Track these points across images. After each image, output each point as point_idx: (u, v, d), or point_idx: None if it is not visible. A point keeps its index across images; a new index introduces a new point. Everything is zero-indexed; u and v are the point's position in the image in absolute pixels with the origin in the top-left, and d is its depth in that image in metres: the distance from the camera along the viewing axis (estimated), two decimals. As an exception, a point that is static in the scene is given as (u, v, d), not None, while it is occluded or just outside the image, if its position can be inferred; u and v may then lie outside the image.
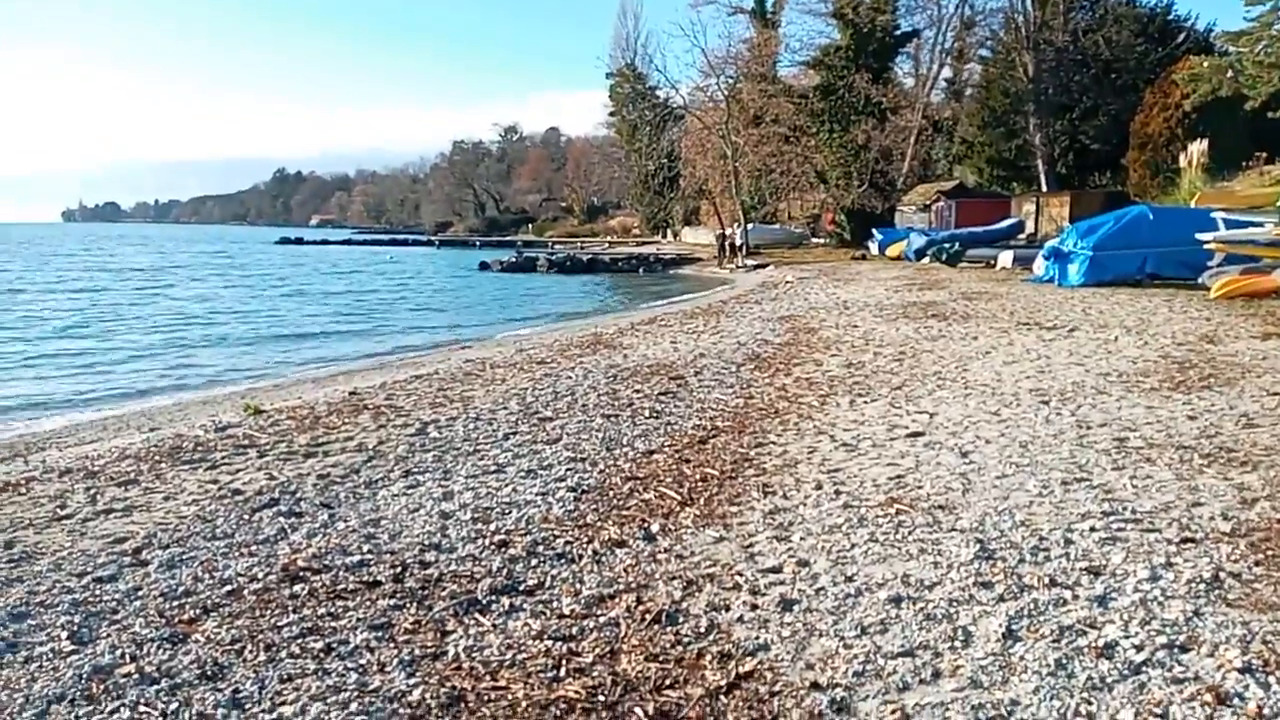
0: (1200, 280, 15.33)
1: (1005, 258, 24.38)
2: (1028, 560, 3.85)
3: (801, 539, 4.26)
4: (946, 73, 47.67)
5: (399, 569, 4.04)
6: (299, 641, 3.33)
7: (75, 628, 3.50)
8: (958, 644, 3.16)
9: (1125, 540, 4.03)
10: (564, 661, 3.17)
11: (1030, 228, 36.72)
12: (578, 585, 3.84)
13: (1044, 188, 41.46)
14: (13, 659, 3.27)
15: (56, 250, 69.11)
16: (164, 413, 9.59)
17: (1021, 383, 7.88)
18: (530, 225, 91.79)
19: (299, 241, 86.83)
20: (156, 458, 6.29)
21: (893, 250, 32.11)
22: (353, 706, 2.88)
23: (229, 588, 3.84)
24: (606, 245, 60.88)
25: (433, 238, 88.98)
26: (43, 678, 3.12)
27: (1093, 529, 4.18)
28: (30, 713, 2.90)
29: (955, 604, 3.47)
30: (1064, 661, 2.99)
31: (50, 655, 3.29)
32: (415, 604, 3.67)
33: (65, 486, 5.64)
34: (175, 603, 3.71)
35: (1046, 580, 3.63)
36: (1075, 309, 13.62)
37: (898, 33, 40.93)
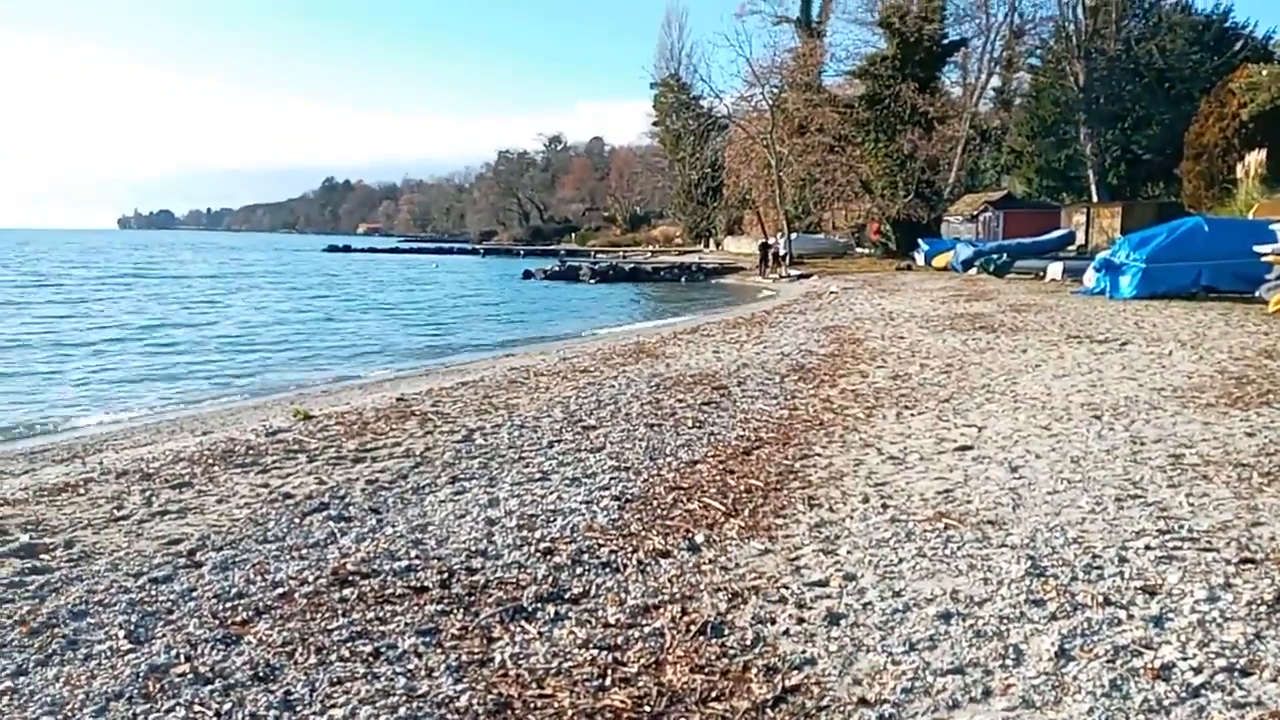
0: (1258, 294, 14.95)
1: (1055, 269, 24.00)
2: (1081, 578, 3.77)
3: (848, 552, 4.23)
4: (995, 82, 47.15)
5: (446, 575, 4.07)
6: (348, 645, 3.38)
7: (132, 627, 3.58)
8: (1009, 662, 3.11)
9: (1182, 559, 3.93)
10: (609, 671, 3.17)
11: (1080, 239, 36.13)
12: (623, 594, 3.84)
13: (1095, 198, 40.80)
14: (73, 656, 3.36)
15: (121, 256, 70.88)
16: (216, 417, 9.80)
17: (1072, 397, 7.74)
18: (573, 234, 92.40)
19: (346, 249, 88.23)
20: (209, 461, 6.43)
21: (939, 261, 31.77)
22: (401, 711, 2.91)
23: (280, 590, 3.91)
24: (649, 254, 61.05)
25: (478, 246, 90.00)
26: (101, 675, 3.20)
27: (1148, 547, 4.09)
28: (90, 709, 2.97)
29: (1006, 621, 3.41)
30: (1119, 682, 2.93)
31: (109, 653, 3.37)
32: (462, 610, 3.70)
33: (122, 488, 5.78)
34: (228, 604, 3.78)
35: (1100, 599, 3.55)
36: (1128, 322, 13.35)
37: (945, 42, 40.53)
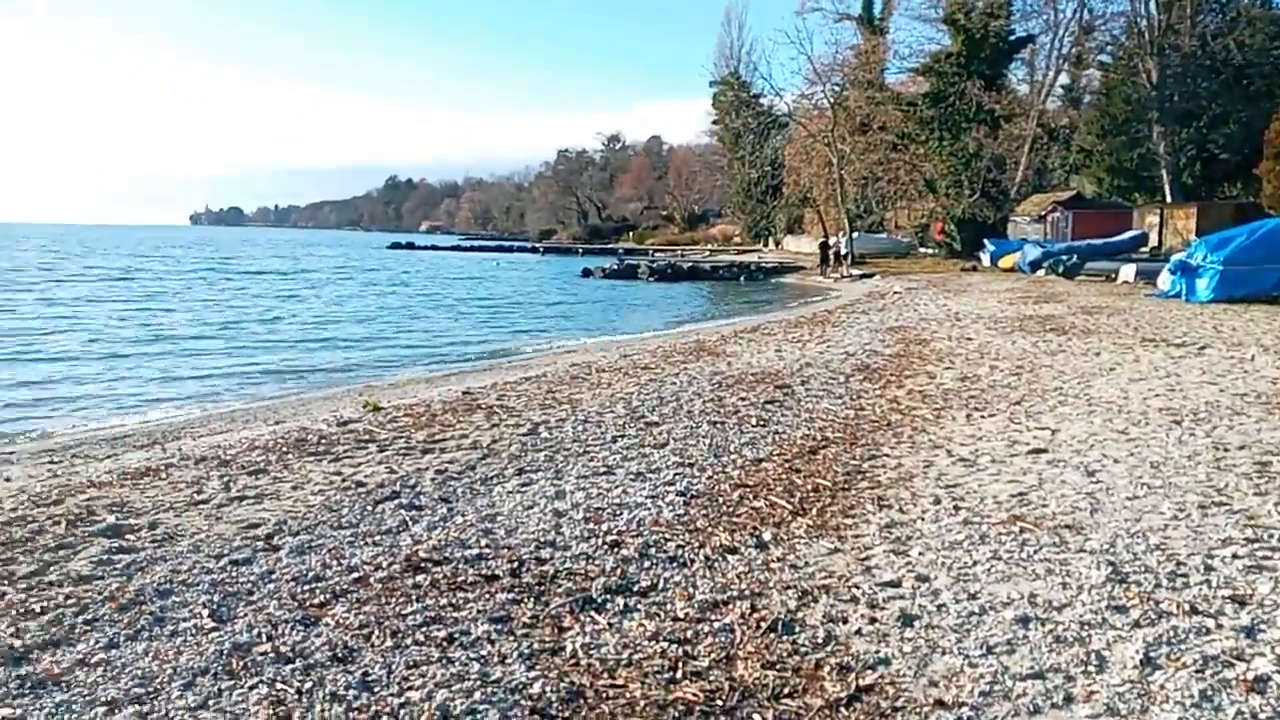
0: (1346, 298, 14.36)
1: (1127, 271, 23.35)
2: (1165, 585, 3.67)
3: (920, 554, 4.16)
4: (1064, 79, 45.98)
5: (516, 564, 4.12)
6: (423, 630, 3.43)
7: (215, 606, 3.69)
8: (1091, 669, 3.03)
9: (1273, 569, 3.80)
10: (680, 664, 3.17)
11: (1153, 241, 35.11)
12: (691, 589, 3.84)
13: (1168, 199, 39.56)
14: (160, 633, 3.47)
15: (195, 252, 73.00)
16: (288, 407, 10.03)
17: (1150, 401, 7.52)
18: (631, 233, 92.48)
19: (410, 247, 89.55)
20: (284, 449, 6.58)
21: (1005, 262, 31.11)
22: (476, 696, 2.95)
23: (356, 575, 3.99)
24: (707, 253, 60.87)
25: (537, 245, 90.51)
26: (187, 651, 3.30)
27: (1235, 556, 3.95)
28: (178, 683, 3.06)
29: (1087, 627, 3.33)
30: (1209, 694, 2.83)
31: (193, 631, 3.47)
32: (532, 599, 3.73)
33: (201, 473, 5.95)
34: (306, 587, 3.87)
35: (1187, 607, 3.45)
36: (1205, 326, 12.93)
37: (1012, 38, 39.66)
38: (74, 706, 2.94)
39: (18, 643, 3.38)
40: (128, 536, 4.63)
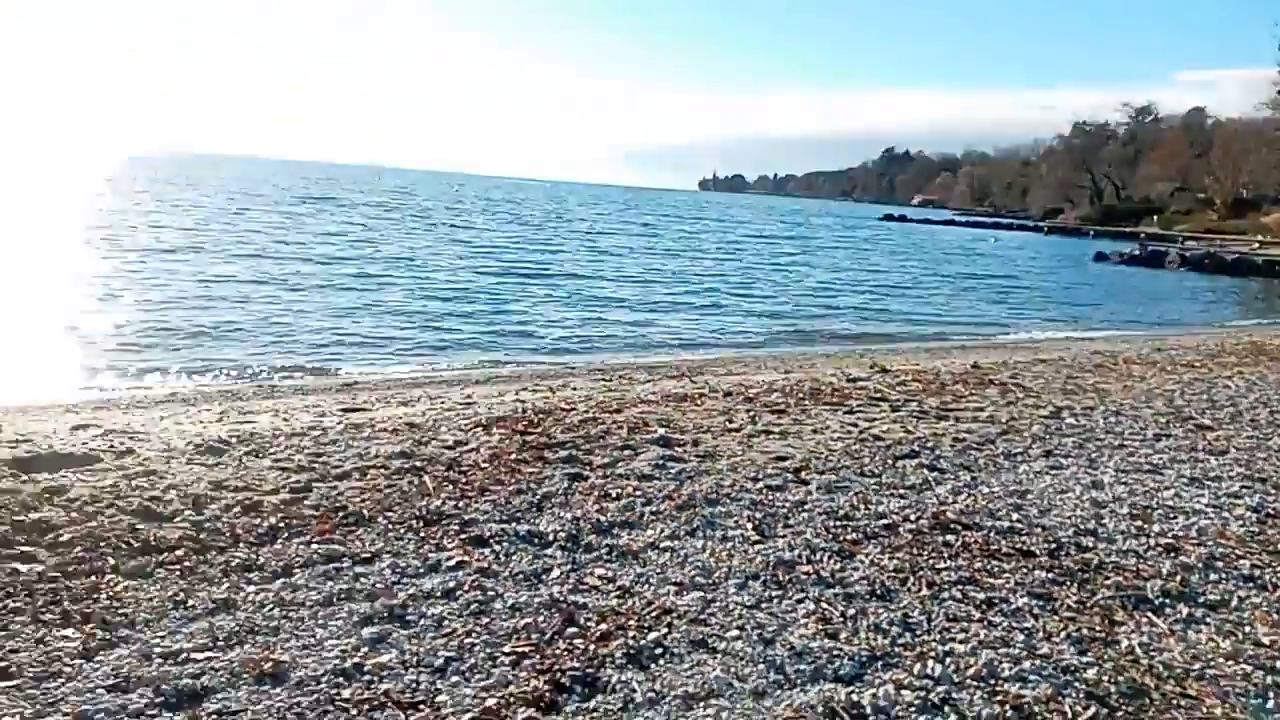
0: None
1: None
2: None
3: None
4: None
5: (1053, 545, 3.86)
6: (959, 588, 3.37)
7: (757, 522, 4.00)
8: None
9: None
10: (1273, 694, 2.72)
11: None
12: (1276, 615, 3.28)
13: None
14: (712, 534, 3.86)
15: (711, 213, 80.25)
16: (793, 360, 10.57)
17: None
18: (1155, 217, 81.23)
19: (901, 219, 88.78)
20: (799, 395, 6.93)
21: None
22: (1025, 664, 2.82)
23: (884, 522, 4.05)
24: (1256, 245, 51.24)
25: (1040, 223, 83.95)
26: (738, 556, 3.62)
27: None
28: (733, 582, 3.37)
29: None
30: None
31: (740, 540, 3.80)
32: (1075, 584, 3.47)
33: (730, 405, 6.50)
34: (837, 522, 4.03)
35: None
36: None
37: None
38: (650, 580, 3.38)
39: (603, 519, 3.99)
40: (676, 448, 5.22)
